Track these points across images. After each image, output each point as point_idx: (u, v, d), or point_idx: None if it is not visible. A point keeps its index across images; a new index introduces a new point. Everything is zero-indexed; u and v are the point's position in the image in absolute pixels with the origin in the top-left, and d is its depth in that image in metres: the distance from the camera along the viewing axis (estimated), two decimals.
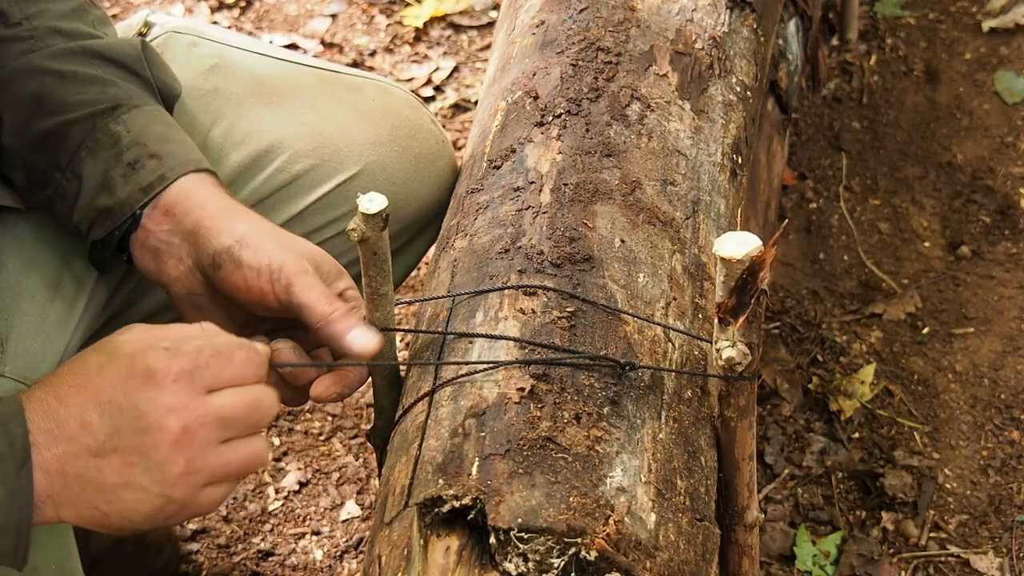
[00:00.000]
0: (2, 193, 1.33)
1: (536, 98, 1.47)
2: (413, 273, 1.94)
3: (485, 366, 1.18)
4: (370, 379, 1.29)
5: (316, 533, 2.05)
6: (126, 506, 1.02)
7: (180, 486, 1.02)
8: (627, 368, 1.18)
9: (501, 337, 1.20)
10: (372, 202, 1.11)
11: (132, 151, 1.28)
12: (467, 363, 1.19)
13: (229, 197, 1.30)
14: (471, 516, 1.06)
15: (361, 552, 2.00)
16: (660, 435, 1.17)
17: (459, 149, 2.54)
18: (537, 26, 1.59)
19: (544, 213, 1.32)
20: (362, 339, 1.19)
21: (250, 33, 2.99)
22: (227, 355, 1.04)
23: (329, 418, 2.21)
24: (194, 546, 2.03)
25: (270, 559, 2.02)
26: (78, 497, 1.01)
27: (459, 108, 2.80)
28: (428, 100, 2.81)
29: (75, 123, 1.30)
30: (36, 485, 0.99)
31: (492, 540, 1.04)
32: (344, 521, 2.05)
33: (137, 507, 1.02)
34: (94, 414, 1.00)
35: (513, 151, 1.42)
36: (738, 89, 1.58)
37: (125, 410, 1.00)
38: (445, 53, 2.93)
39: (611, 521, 1.06)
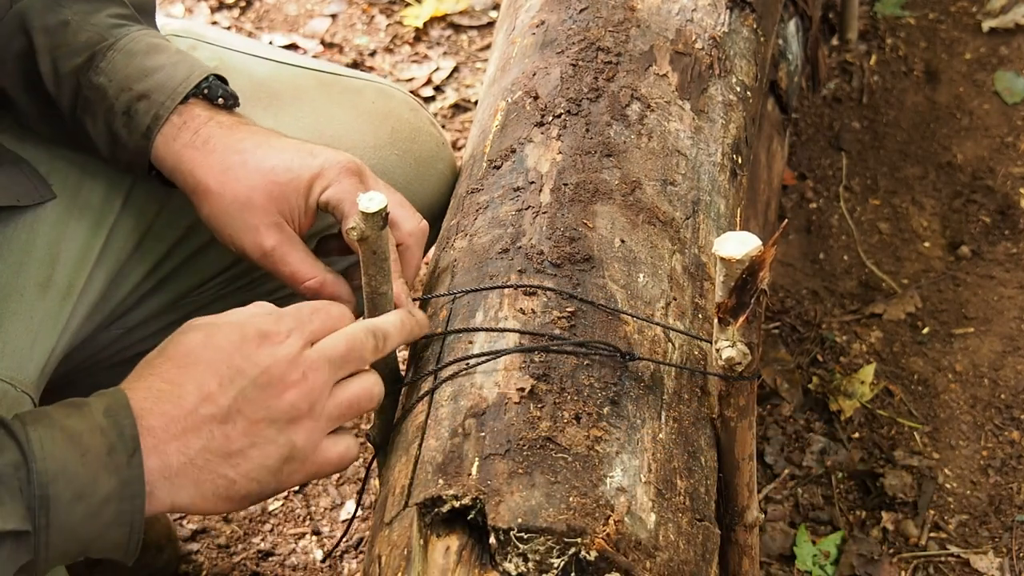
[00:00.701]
0: None
1: (536, 98, 1.47)
2: None
3: (501, 343, 1.18)
4: None
5: (316, 533, 2.05)
6: (253, 465, 1.05)
7: (302, 431, 1.07)
8: (627, 358, 1.18)
9: (502, 329, 1.20)
10: (372, 201, 1.12)
11: (121, 99, 1.30)
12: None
13: (191, 152, 1.30)
14: (471, 516, 1.06)
15: (361, 552, 2.00)
16: (660, 435, 1.17)
17: (459, 149, 2.54)
18: (537, 26, 1.59)
19: (544, 213, 1.32)
20: None
21: (250, 33, 2.99)
22: (325, 310, 1.13)
23: None
24: (194, 546, 2.03)
25: (270, 559, 2.01)
26: (201, 471, 1.03)
27: (459, 108, 2.79)
28: (428, 100, 2.81)
29: (62, 88, 1.32)
30: (151, 471, 1.01)
31: (492, 540, 1.04)
32: (344, 521, 2.05)
33: (264, 463, 1.06)
34: (213, 383, 1.03)
35: (513, 151, 1.42)
36: (738, 89, 1.58)
37: (246, 371, 1.04)
38: (445, 53, 2.93)
39: (611, 521, 1.06)
